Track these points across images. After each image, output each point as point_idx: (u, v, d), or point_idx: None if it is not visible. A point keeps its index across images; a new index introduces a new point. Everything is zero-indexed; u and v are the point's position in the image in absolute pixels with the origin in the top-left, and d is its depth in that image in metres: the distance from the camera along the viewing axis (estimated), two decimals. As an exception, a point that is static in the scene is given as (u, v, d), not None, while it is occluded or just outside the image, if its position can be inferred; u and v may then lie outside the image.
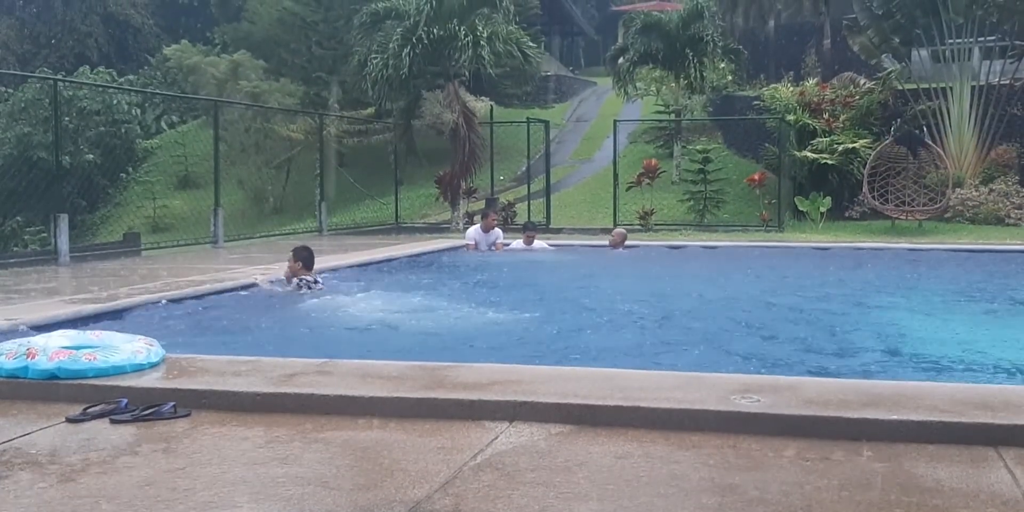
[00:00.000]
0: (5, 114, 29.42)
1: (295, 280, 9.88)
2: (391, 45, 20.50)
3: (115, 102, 31.76)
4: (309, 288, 9.82)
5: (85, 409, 4.67)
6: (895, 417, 4.17)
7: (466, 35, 20.06)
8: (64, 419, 4.60)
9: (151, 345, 5.50)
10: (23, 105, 28.99)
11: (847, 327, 8.10)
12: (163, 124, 37.90)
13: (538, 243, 15.31)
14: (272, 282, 10.21)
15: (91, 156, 29.28)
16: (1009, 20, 22.45)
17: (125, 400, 4.74)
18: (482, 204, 22.02)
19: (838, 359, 6.64)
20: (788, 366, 6.33)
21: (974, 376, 6.09)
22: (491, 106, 24.28)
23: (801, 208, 20.93)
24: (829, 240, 17.06)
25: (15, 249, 22.55)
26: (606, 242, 15.72)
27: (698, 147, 22.80)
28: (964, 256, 14.37)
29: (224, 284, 9.96)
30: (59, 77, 23.64)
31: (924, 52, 23.36)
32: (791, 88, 23.98)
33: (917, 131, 21.51)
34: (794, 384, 4.83)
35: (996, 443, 4.02)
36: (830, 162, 21.11)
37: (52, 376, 5.03)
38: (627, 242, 15.60)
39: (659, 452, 4.01)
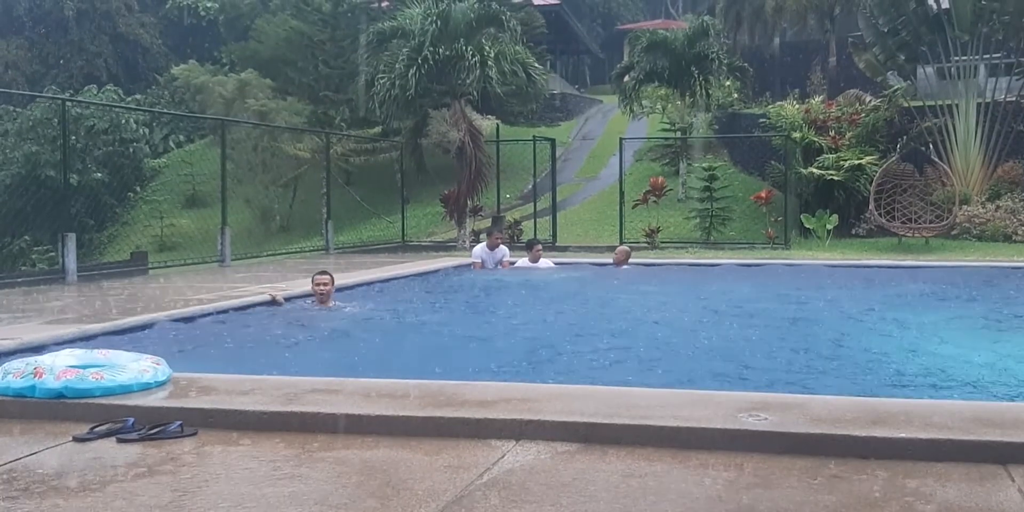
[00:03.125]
0: (14, 133, 29.55)
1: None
2: (397, 65, 20.56)
3: (123, 121, 31.91)
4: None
5: (92, 428, 4.68)
6: (903, 435, 4.15)
7: (473, 55, 20.11)
8: (71, 438, 4.61)
9: (158, 364, 5.50)
10: (31, 124, 29.12)
11: (854, 344, 8.08)
12: (171, 143, 38.06)
13: (543, 261, 15.29)
14: (288, 299, 10.30)
15: (99, 175, 29.39)
16: (1015, 37, 22.48)
17: (132, 419, 4.74)
18: (488, 222, 22.04)
19: (845, 377, 6.61)
20: (795, 384, 6.31)
21: (982, 393, 6.07)
22: (497, 124, 24.31)
23: (807, 225, 20.90)
24: (835, 257, 17.04)
25: (23, 268, 22.59)
26: (610, 260, 15.69)
27: (704, 165, 22.81)
28: (971, 273, 14.33)
29: (232, 302, 9.98)
30: (67, 97, 23.77)
31: (930, 69, 23.40)
32: (797, 105, 24.03)
33: (923, 148, 21.52)
34: (802, 402, 4.82)
35: (1005, 461, 4.01)
36: (836, 179, 21.11)
37: (59, 395, 5.03)
38: (634, 260, 15.58)
39: (666, 470, 4.00)
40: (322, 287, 10.12)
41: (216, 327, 8.98)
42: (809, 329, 9.08)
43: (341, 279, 11.23)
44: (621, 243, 19.65)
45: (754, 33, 40.50)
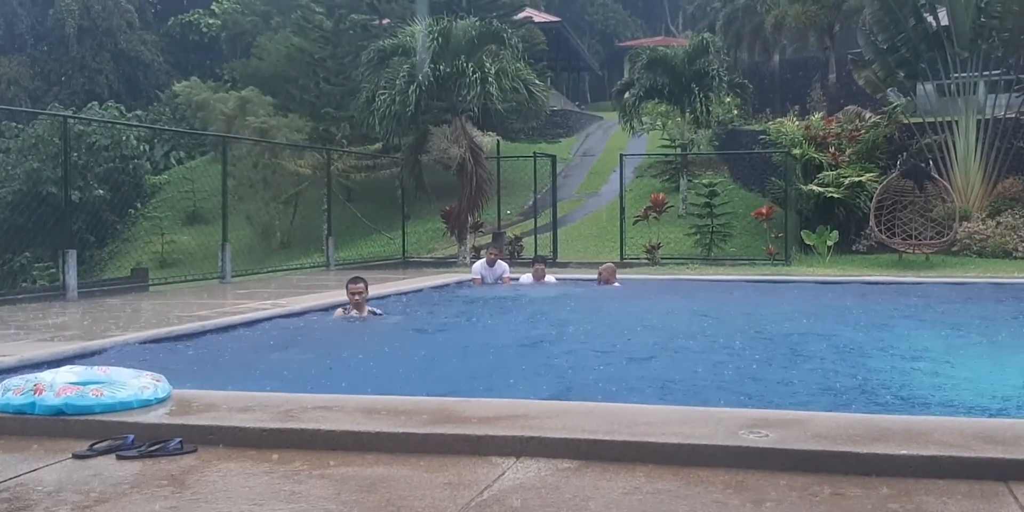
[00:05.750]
0: (15, 150, 29.63)
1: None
2: (398, 81, 20.63)
3: (124, 138, 31.98)
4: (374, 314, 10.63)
5: (92, 445, 4.66)
6: (904, 452, 4.14)
7: (473, 71, 20.17)
8: (71, 455, 4.59)
9: (158, 381, 5.49)
10: (33, 141, 29.20)
11: (854, 361, 8.06)
12: (172, 160, 38.16)
13: (546, 277, 15.24)
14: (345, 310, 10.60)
15: (100, 191, 29.44)
16: (1014, 54, 22.56)
17: (132, 436, 4.73)
18: (489, 238, 22.07)
19: (846, 393, 6.60)
20: (796, 401, 6.30)
21: (984, 410, 6.05)
22: (498, 141, 24.40)
23: (808, 242, 20.92)
24: (836, 274, 17.03)
25: (24, 285, 22.60)
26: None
27: (704, 181, 22.87)
28: (971, 289, 14.32)
29: (234, 319, 9.98)
30: (69, 113, 23.84)
31: (929, 86, 23.47)
32: (797, 122, 24.10)
33: (923, 164, 21.54)
34: (803, 419, 4.80)
35: (1007, 478, 3.99)
36: (836, 196, 21.14)
37: (59, 412, 5.02)
38: (639, 276, 15.54)
39: (667, 488, 3.98)
40: (357, 296, 10.44)
41: (217, 343, 8.98)
42: (809, 345, 9.06)
43: (340, 296, 11.22)
44: (622, 259, 19.69)
45: (754, 50, 40.67)
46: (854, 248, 21.44)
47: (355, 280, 10.64)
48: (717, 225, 21.46)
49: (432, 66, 20.37)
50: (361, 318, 10.44)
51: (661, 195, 22.77)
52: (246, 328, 9.80)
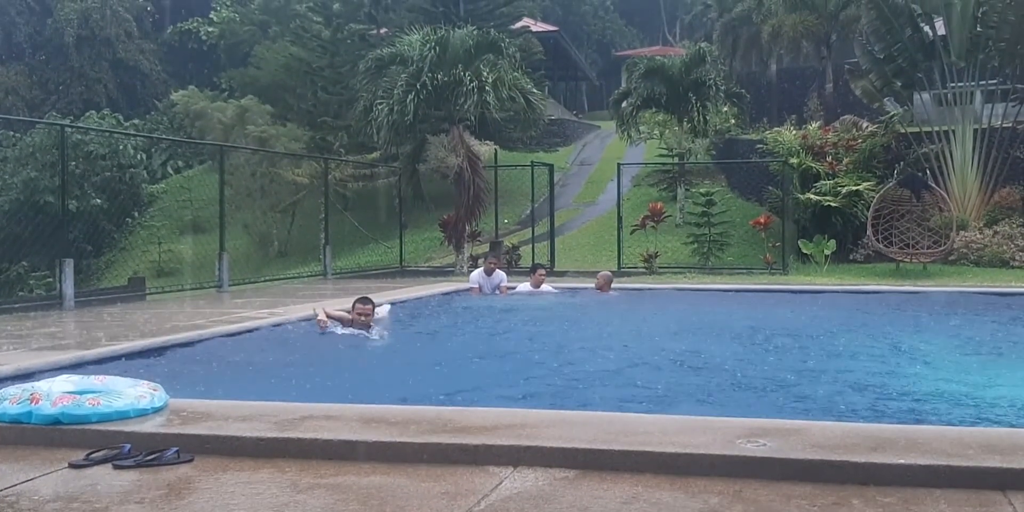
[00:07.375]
0: (13, 159, 29.64)
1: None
2: (396, 91, 20.63)
3: (122, 147, 31.99)
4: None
5: (88, 454, 4.65)
6: (902, 461, 4.13)
7: (471, 81, 20.19)
8: (67, 464, 4.58)
9: (155, 390, 5.48)
10: (31, 150, 29.20)
11: (851, 369, 8.05)
12: (169, 169, 38.18)
13: (544, 286, 15.23)
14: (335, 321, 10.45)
15: (97, 201, 29.43)
16: (1010, 64, 22.60)
17: (128, 445, 4.72)
18: (486, 247, 22.06)
19: (844, 403, 6.59)
20: (793, 410, 6.29)
21: (982, 419, 6.05)
22: (495, 150, 24.38)
23: (805, 251, 20.91)
24: (833, 283, 17.02)
25: (20, 294, 22.57)
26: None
27: (702, 190, 22.88)
28: (969, 299, 14.31)
29: (228, 328, 9.96)
30: (66, 123, 23.84)
31: (926, 95, 23.50)
32: (794, 131, 24.13)
33: (920, 174, 21.56)
34: (800, 428, 4.80)
35: (1005, 487, 3.99)
36: (833, 205, 21.14)
37: (55, 421, 5.01)
38: (634, 285, 15.54)
39: (665, 497, 3.97)
40: (365, 317, 10.24)
41: (214, 352, 8.96)
42: (805, 354, 9.06)
43: (338, 305, 11.21)
44: (619, 268, 19.68)
45: (750, 59, 40.73)
46: (851, 257, 21.44)
47: (363, 300, 10.37)
48: (714, 234, 21.46)
49: (430, 75, 20.38)
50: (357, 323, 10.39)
51: (659, 204, 22.78)
52: (243, 337, 9.78)
